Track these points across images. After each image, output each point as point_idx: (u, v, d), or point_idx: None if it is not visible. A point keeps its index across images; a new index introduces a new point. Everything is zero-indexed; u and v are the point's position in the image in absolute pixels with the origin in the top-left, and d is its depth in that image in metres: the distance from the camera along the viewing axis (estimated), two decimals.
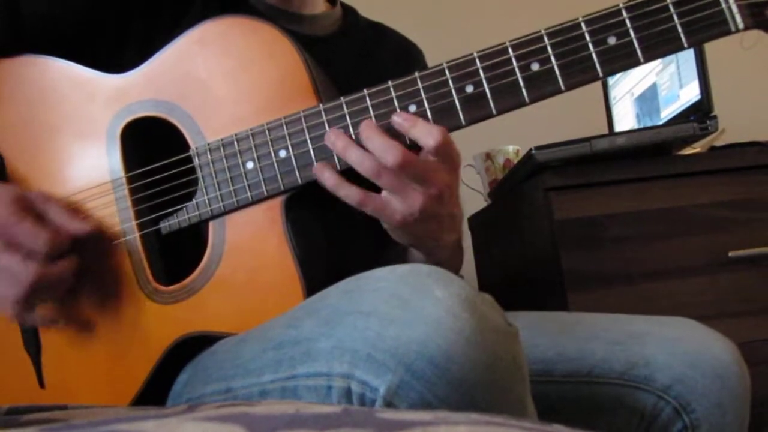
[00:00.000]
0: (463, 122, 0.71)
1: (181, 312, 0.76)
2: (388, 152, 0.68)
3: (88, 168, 0.80)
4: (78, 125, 0.80)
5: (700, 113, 1.18)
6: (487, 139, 1.62)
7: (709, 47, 1.20)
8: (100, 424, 0.31)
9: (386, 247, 0.90)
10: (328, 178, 0.72)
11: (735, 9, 0.65)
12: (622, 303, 1.11)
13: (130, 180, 0.79)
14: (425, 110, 0.71)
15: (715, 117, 1.13)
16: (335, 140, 0.72)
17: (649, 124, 1.42)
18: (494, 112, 0.70)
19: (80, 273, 0.77)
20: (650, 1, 0.67)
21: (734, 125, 1.33)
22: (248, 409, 0.33)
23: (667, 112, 1.35)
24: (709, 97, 1.18)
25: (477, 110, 0.70)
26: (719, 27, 0.66)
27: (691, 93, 1.24)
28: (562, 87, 0.69)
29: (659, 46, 0.67)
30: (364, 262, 0.74)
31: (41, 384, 0.80)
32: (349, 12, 1.00)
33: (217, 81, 0.76)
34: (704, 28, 0.66)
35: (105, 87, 0.80)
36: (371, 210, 0.71)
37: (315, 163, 0.73)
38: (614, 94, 1.63)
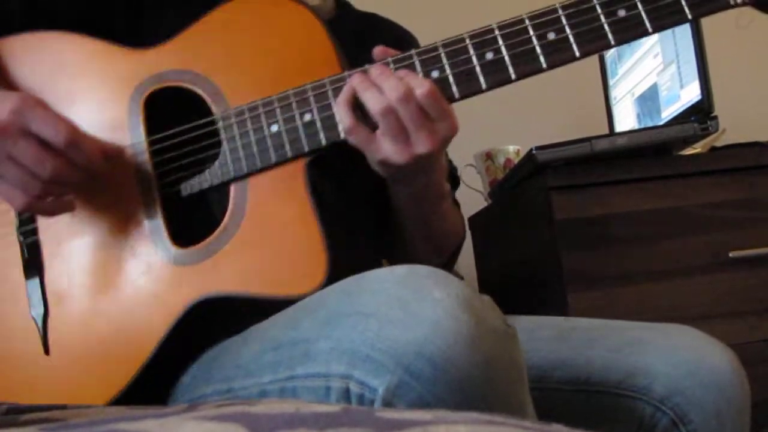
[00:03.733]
0: (484, 86, 0.74)
1: (201, 273, 0.75)
2: (395, 88, 0.71)
3: (108, 135, 0.79)
4: (100, 95, 0.80)
5: (701, 113, 1.18)
6: (487, 139, 1.62)
7: (710, 47, 1.20)
8: (99, 423, 0.31)
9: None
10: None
11: None
12: (623, 303, 1.11)
13: (151, 144, 0.78)
14: (447, 75, 0.74)
15: (715, 117, 1.13)
16: (356, 78, 0.74)
17: (650, 124, 1.42)
18: (513, 76, 0.74)
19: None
20: None
21: (735, 125, 1.33)
22: (248, 409, 0.33)
23: (667, 113, 1.35)
24: (710, 97, 1.18)
25: (498, 75, 0.74)
26: (718, 1, 0.71)
27: (691, 93, 1.24)
28: (577, 54, 0.73)
29: (664, 18, 0.71)
30: (372, 233, 0.82)
31: (46, 350, 0.77)
32: (341, 3, 1.01)
33: (243, 53, 0.78)
34: (704, 2, 0.71)
35: (128, 59, 0.80)
36: (358, 140, 0.74)
37: (340, 125, 0.75)
38: (615, 94, 1.63)
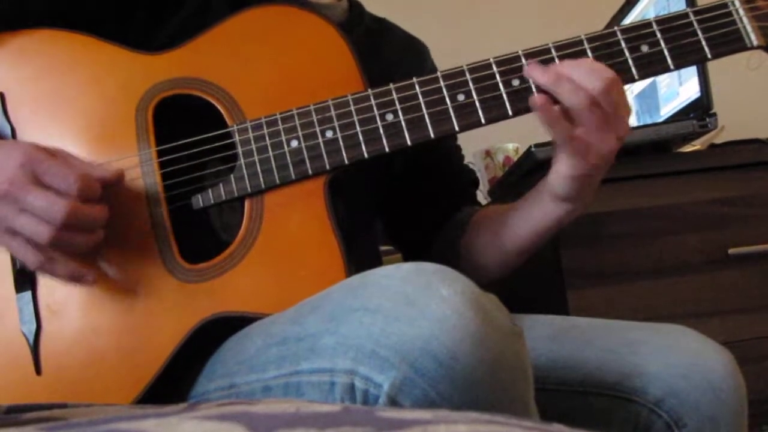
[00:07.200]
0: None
1: (211, 291, 0.72)
2: (595, 74, 0.69)
3: (115, 144, 0.76)
4: (106, 99, 0.77)
5: (700, 110, 1.18)
6: (486, 137, 1.61)
7: None
8: (99, 422, 0.31)
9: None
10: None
11: (749, 28, 0.74)
12: (622, 300, 1.11)
13: (159, 154, 0.75)
14: (474, 101, 0.75)
15: (714, 114, 1.13)
16: (542, 73, 0.72)
17: (649, 121, 1.42)
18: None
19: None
20: (677, 17, 0.75)
21: (734, 122, 1.33)
22: (248, 408, 0.33)
23: (666, 110, 1.35)
24: (709, 94, 1.18)
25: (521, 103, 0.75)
26: (737, 43, 0.74)
27: (690, 90, 1.24)
28: (636, 76, 0.74)
29: (686, 56, 0.74)
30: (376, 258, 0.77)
31: (38, 370, 0.73)
32: (355, 5, 0.99)
33: (261, 64, 0.76)
34: (724, 44, 0.74)
35: (137, 62, 0.77)
36: (573, 146, 0.72)
37: (363, 144, 0.73)
38: None
